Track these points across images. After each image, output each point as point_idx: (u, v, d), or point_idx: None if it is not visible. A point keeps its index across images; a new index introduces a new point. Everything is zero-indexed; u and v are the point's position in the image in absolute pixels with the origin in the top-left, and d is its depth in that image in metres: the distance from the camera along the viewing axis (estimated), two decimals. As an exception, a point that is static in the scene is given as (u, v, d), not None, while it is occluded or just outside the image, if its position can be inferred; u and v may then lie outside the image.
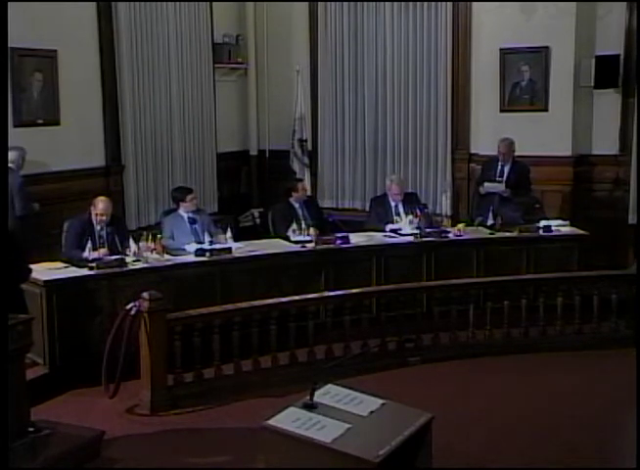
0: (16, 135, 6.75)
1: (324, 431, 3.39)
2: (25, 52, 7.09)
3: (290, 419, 3.47)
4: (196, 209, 7.12)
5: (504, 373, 6.06)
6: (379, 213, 7.71)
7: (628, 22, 8.05)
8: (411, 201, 7.86)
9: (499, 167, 7.83)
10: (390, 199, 7.73)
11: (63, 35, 7.48)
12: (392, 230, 7.43)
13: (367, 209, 8.40)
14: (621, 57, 8.08)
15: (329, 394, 3.78)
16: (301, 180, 8.44)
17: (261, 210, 9.45)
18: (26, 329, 4.38)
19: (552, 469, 4.64)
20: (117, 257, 6.16)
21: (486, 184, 7.83)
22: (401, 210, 7.69)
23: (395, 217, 7.65)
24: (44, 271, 5.89)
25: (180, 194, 7.14)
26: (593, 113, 8.39)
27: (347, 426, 3.45)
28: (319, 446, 3.30)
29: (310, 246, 6.94)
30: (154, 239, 6.44)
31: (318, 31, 9.54)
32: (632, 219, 8.01)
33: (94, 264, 5.93)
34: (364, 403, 3.71)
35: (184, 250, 6.63)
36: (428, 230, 7.30)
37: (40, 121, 7.38)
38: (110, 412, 5.34)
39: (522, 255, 7.31)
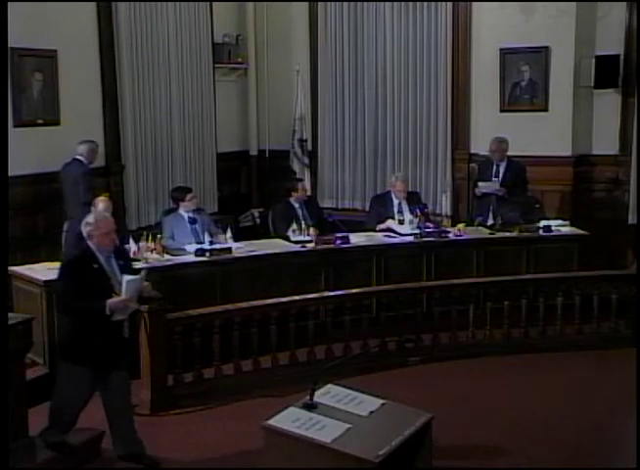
0: (16, 135, 6.75)
1: (324, 431, 3.39)
2: (25, 52, 7.09)
3: (290, 419, 3.48)
4: (196, 208, 7.12)
5: (504, 373, 6.06)
6: (379, 212, 7.70)
7: (628, 22, 8.05)
8: (413, 201, 7.83)
9: (494, 167, 7.83)
10: (394, 196, 7.70)
11: (63, 35, 7.48)
12: (392, 230, 7.43)
13: (367, 208, 8.38)
14: (621, 57, 8.07)
15: (329, 394, 3.78)
16: (301, 180, 8.44)
17: (261, 210, 9.45)
18: (26, 329, 4.38)
19: (552, 469, 4.64)
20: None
21: (480, 184, 7.83)
22: (404, 208, 7.67)
23: (397, 215, 7.64)
24: (44, 271, 5.89)
25: (179, 193, 7.15)
26: (593, 113, 8.38)
27: (347, 426, 3.45)
28: (319, 446, 3.30)
29: (310, 246, 6.94)
30: (154, 239, 6.44)
31: (318, 31, 9.53)
32: (632, 219, 8.01)
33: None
34: (364, 403, 3.71)
35: (184, 250, 6.63)
36: (428, 230, 7.29)
37: (40, 121, 7.38)
38: (110, 412, 5.34)
39: (522, 255, 7.30)
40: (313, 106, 9.67)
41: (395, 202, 7.70)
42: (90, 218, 4.65)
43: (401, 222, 7.55)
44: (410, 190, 8.15)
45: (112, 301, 4.44)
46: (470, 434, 4.99)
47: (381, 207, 7.74)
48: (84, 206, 6.93)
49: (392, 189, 7.74)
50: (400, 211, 7.66)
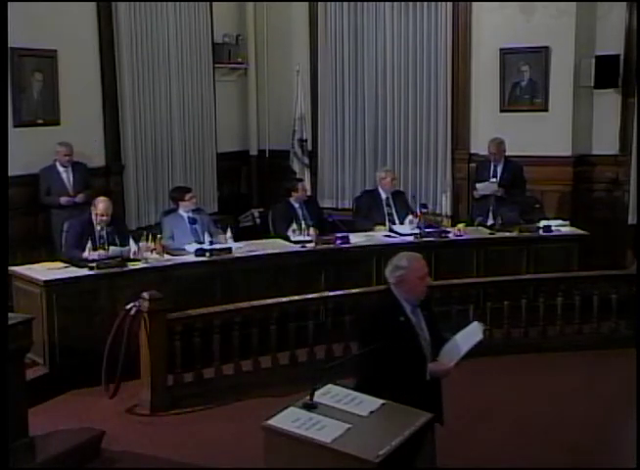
0: (16, 135, 6.75)
1: (324, 431, 3.38)
2: (25, 52, 7.09)
3: (290, 419, 3.47)
4: (195, 207, 7.13)
5: (504, 373, 6.06)
6: (370, 207, 7.75)
7: (628, 22, 8.05)
8: (400, 199, 7.93)
9: (492, 168, 7.84)
10: (382, 191, 7.79)
11: (63, 35, 7.48)
12: (392, 230, 7.44)
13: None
14: (621, 57, 8.07)
15: (329, 394, 3.77)
16: (301, 180, 8.44)
17: (261, 210, 9.45)
18: (26, 329, 4.38)
19: (552, 469, 4.64)
20: (117, 255, 6.16)
21: (478, 186, 7.86)
22: (392, 202, 7.77)
23: (386, 208, 7.72)
24: (44, 271, 5.90)
25: (179, 193, 7.15)
26: (593, 113, 8.39)
27: (347, 426, 3.44)
28: (319, 446, 3.29)
29: (310, 246, 6.94)
30: (154, 239, 6.44)
31: (318, 31, 9.53)
32: (632, 220, 8.01)
33: (94, 264, 5.94)
34: (364, 403, 3.70)
35: (184, 250, 6.64)
36: (428, 230, 7.30)
37: (40, 121, 7.38)
38: (110, 412, 5.35)
39: (522, 255, 7.30)
40: (313, 106, 9.67)
41: (383, 196, 7.77)
42: (403, 261, 3.87)
43: (390, 215, 7.68)
44: (398, 189, 8.24)
45: (435, 367, 3.79)
46: (470, 434, 4.99)
47: (370, 201, 7.81)
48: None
49: (381, 182, 7.82)
50: (389, 205, 7.75)
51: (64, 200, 7.12)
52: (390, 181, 7.80)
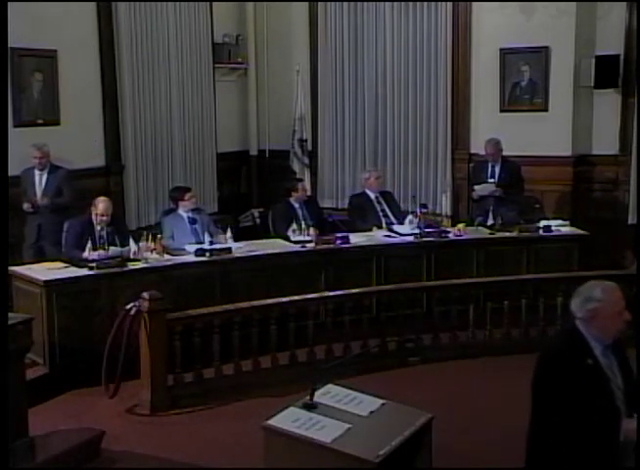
0: (16, 135, 6.75)
1: (324, 431, 3.39)
2: (25, 52, 7.10)
3: (290, 419, 3.47)
4: (195, 207, 7.13)
5: (504, 373, 6.05)
6: (363, 209, 7.77)
7: (628, 22, 8.05)
8: (389, 198, 7.98)
9: (489, 169, 7.84)
10: (369, 191, 7.83)
11: (63, 35, 7.49)
12: (392, 230, 7.45)
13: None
14: (621, 57, 8.07)
15: (329, 394, 3.78)
16: (301, 180, 8.45)
17: (261, 210, 9.45)
18: (26, 329, 4.38)
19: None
20: (117, 255, 6.16)
21: (476, 188, 7.87)
22: (382, 201, 7.82)
23: (377, 205, 7.77)
24: (44, 271, 5.91)
25: (178, 193, 7.16)
26: (593, 113, 8.39)
27: (347, 426, 3.45)
28: (319, 446, 3.30)
29: (310, 246, 6.94)
30: (154, 239, 6.44)
31: (318, 31, 9.53)
32: (632, 220, 8.01)
33: (94, 264, 5.94)
34: (364, 403, 3.71)
35: (184, 250, 6.64)
36: (428, 230, 7.30)
37: (40, 121, 7.39)
38: (110, 412, 5.35)
39: (522, 255, 7.30)
40: (313, 106, 9.67)
41: (372, 196, 7.83)
42: (596, 291, 3.25)
43: (383, 211, 7.74)
44: (385, 189, 8.28)
45: (634, 427, 3.11)
46: (470, 434, 4.99)
47: (361, 204, 7.83)
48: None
49: (366, 182, 7.88)
50: (380, 203, 7.81)
51: (25, 206, 6.89)
52: (375, 180, 7.85)
